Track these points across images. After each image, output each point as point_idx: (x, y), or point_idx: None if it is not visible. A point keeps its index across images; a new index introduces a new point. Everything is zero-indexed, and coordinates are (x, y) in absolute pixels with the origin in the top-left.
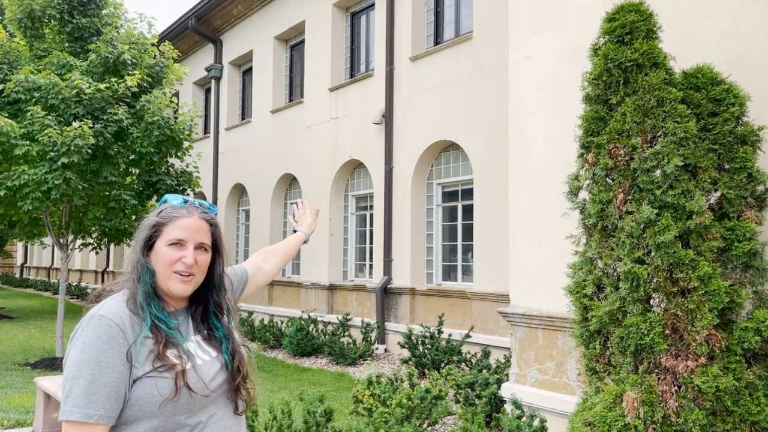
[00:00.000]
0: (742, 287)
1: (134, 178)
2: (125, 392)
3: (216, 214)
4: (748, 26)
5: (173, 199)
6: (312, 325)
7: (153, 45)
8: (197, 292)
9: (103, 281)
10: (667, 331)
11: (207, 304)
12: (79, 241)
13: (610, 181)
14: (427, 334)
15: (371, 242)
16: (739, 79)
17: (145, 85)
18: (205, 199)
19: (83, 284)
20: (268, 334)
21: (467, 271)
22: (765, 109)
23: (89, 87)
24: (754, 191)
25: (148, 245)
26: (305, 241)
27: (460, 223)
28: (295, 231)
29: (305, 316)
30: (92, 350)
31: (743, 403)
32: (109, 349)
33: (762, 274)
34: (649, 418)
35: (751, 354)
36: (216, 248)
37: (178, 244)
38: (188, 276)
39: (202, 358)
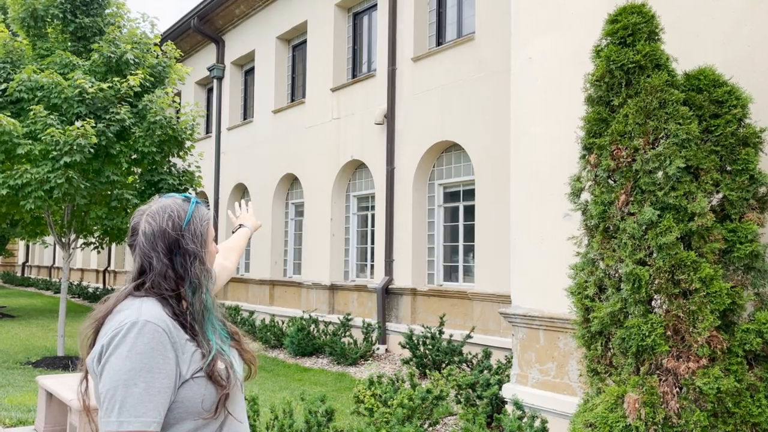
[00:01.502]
0: (744, 289)
1: (136, 177)
2: (173, 396)
3: None
4: (751, 28)
5: (195, 199)
6: (313, 325)
7: (155, 45)
8: None
9: (104, 280)
10: (669, 333)
11: None
12: (81, 241)
13: (612, 182)
14: (428, 335)
15: (372, 242)
16: (741, 80)
17: (147, 84)
18: (207, 199)
19: (85, 283)
20: (269, 333)
21: (468, 272)
22: (767, 110)
23: (92, 86)
24: (756, 193)
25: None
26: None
27: (461, 223)
28: (240, 226)
29: (306, 316)
30: (143, 357)
31: (744, 405)
32: (158, 355)
33: (764, 275)
34: (651, 420)
35: (752, 355)
36: None
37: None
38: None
39: (237, 360)
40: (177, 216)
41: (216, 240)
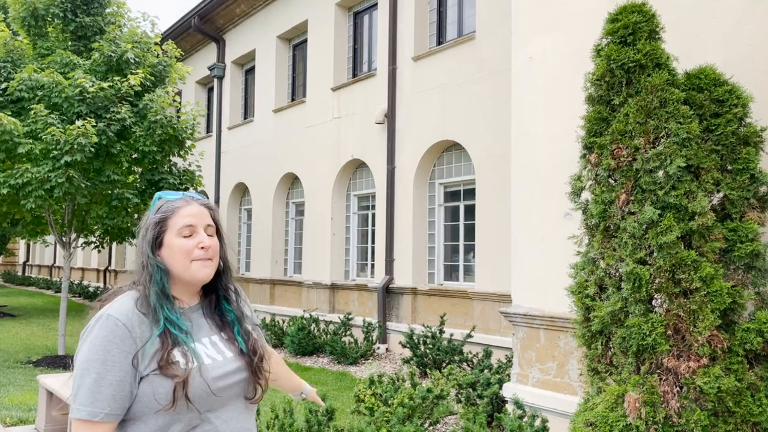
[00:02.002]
0: (744, 288)
1: (137, 176)
2: (132, 390)
3: (209, 201)
4: (752, 27)
5: (167, 195)
6: (313, 325)
7: (156, 44)
8: (210, 282)
9: (105, 280)
10: (669, 332)
11: (217, 290)
12: (81, 240)
13: (613, 181)
14: (429, 334)
15: (373, 242)
16: (742, 80)
17: (147, 83)
18: (207, 197)
19: (85, 282)
20: (269, 333)
21: (469, 271)
22: None
23: (92, 85)
24: (756, 192)
25: (157, 243)
26: (302, 394)
27: (462, 223)
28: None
29: (307, 315)
30: (99, 349)
31: (745, 404)
32: (114, 348)
33: (764, 275)
34: (651, 419)
35: (753, 355)
36: (218, 232)
37: (189, 231)
38: (207, 260)
39: (213, 358)
40: (148, 219)
41: (217, 224)
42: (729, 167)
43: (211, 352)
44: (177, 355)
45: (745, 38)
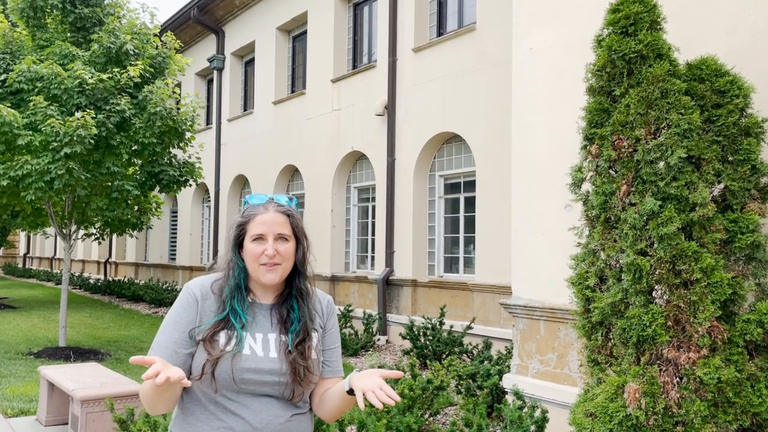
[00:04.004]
0: (745, 279)
1: (137, 168)
2: (188, 351)
3: (294, 205)
4: (756, 17)
5: (253, 199)
6: None
7: (155, 35)
8: (288, 281)
9: (105, 272)
10: (669, 323)
11: (291, 289)
12: (81, 232)
13: (614, 172)
14: (429, 326)
15: (373, 234)
16: (743, 71)
17: (147, 75)
18: (207, 190)
19: (86, 275)
20: None
21: (469, 263)
22: None
23: (91, 77)
24: (757, 183)
25: (239, 243)
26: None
27: (462, 215)
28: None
29: None
30: (173, 312)
31: (745, 395)
32: (184, 312)
33: (765, 266)
34: (651, 409)
35: (753, 346)
36: (296, 236)
37: (260, 238)
38: (273, 266)
39: (254, 351)
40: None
41: (296, 229)
42: (730, 158)
43: (256, 347)
44: (222, 336)
45: (747, 29)
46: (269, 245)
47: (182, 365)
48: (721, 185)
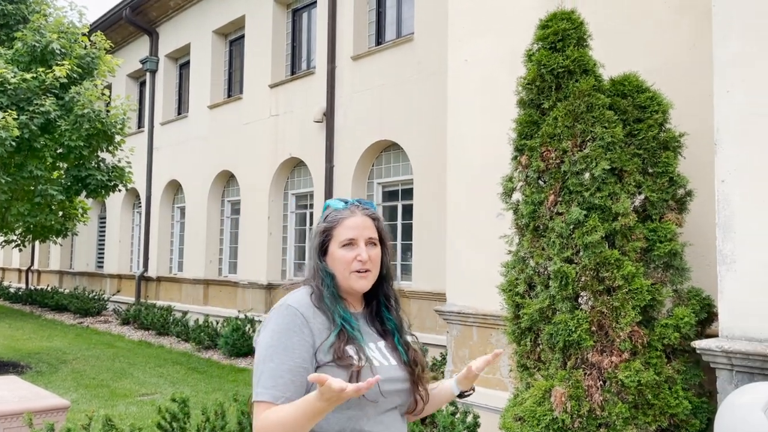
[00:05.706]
0: (663, 286)
1: (62, 172)
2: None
3: (374, 209)
4: (675, 37)
5: (335, 204)
6: (249, 325)
7: (84, 35)
8: (371, 289)
9: (27, 280)
10: (594, 328)
11: (379, 297)
12: (1, 238)
13: (542, 183)
14: None
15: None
16: (663, 87)
17: (74, 76)
18: (138, 195)
19: (6, 283)
20: (202, 334)
21: (406, 270)
22: (687, 116)
23: (14, 76)
24: (675, 194)
25: (323, 250)
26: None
27: (399, 222)
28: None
29: (242, 315)
30: (280, 336)
31: (663, 397)
32: (294, 335)
33: (681, 273)
34: (576, 412)
35: (670, 349)
36: (381, 241)
37: (350, 243)
38: (365, 272)
39: (380, 361)
40: (317, 226)
41: (381, 233)
42: (650, 170)
43: (378, 356)
44: (350, 350)
45: (669, 47)
46: (362, 250)
47: (303, 393)
48: (642, 196)
